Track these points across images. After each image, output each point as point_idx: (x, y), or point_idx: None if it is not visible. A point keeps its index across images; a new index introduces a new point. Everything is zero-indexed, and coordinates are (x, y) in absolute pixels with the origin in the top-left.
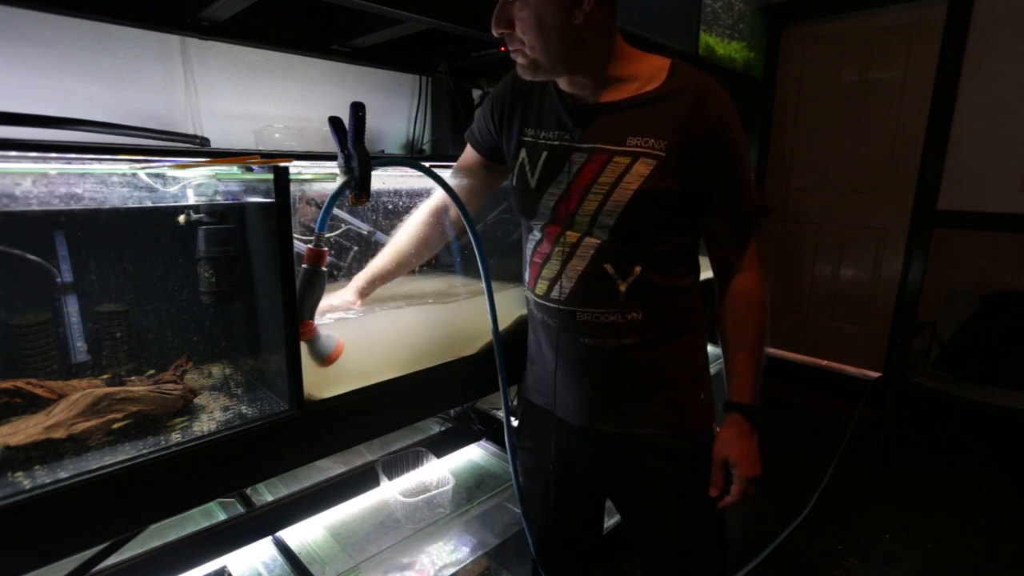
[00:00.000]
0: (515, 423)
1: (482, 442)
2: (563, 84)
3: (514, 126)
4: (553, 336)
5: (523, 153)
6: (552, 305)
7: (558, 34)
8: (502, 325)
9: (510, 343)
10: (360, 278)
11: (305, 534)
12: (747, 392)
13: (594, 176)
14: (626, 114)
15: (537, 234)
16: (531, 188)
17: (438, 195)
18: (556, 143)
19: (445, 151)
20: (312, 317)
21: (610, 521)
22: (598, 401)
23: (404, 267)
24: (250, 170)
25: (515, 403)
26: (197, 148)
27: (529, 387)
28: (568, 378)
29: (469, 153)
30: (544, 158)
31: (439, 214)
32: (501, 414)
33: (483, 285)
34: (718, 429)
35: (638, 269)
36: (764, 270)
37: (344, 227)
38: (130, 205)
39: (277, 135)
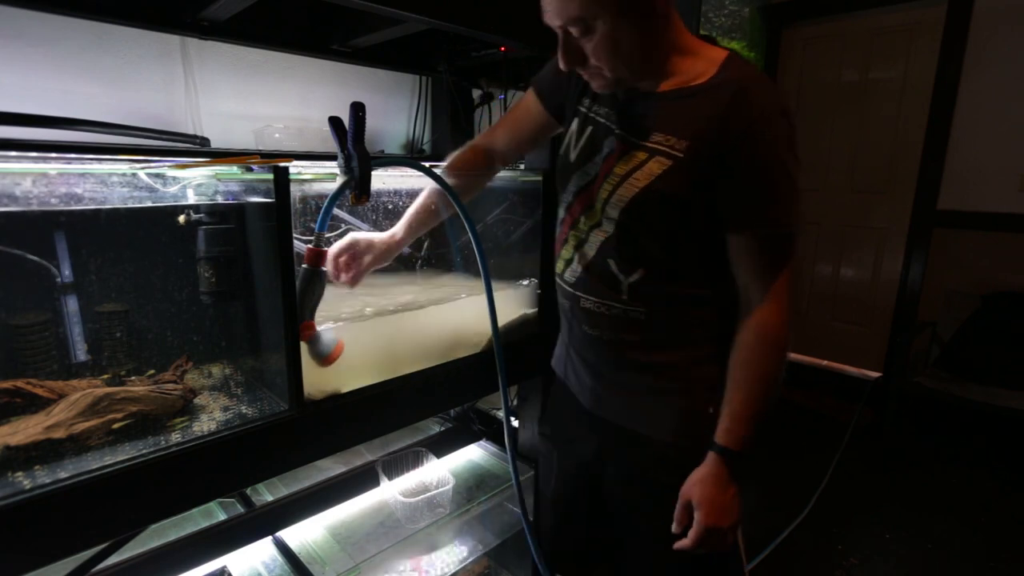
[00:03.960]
0: (515, 423)
1: (482, 442)
2: None
3: (576, 91)
4: (564, 317)
5: (575, 123)
6: (564, 286)
7: (639, 49)
8: (501, 324)
9: (510, 343)
10: (402, 223)
11: (305, 534)
12: (735, 436)
13: (613, 164)
14: (659, 106)
15: (563, 212)
16: (570, 161)
17: (480, 139)
18: (602, 121)
19: (445, 151)
20: (312, 317)
21: None
22: (598, 390)
23: (438, 215)
24: (250, 170)
25: (515, 403)
26: (197, 148)
27: (556, 357)
28: (576, 361)
29: (528, 99)
30: (589, 133)
31: (482, 153)
32: (501, 414)
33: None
34: None
35: (641, 272)
36: (792, 305)
37: (344, 227)
38: (130, 205)
39: (277, 135)
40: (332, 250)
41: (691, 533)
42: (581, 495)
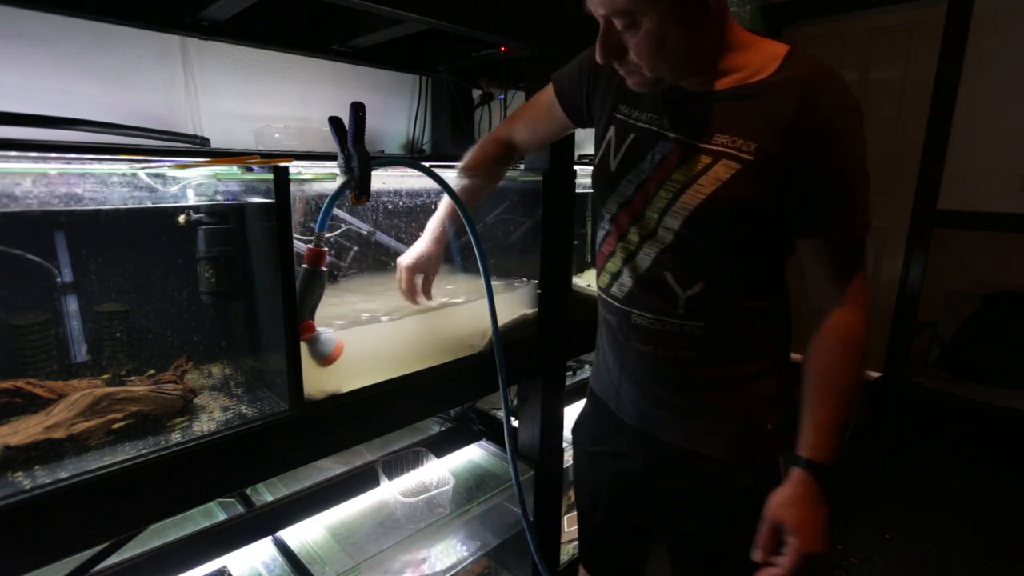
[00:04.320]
0: (515, 423)
1: (482, 442)
2: None
3: (609, 97)
4: (610, 333)
5: (611, 131)
6: (611, 301)
7: (685, 50)
8: (501, 324)
9: (510, 343)
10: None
11: (305, 534)
12: (824, 449)
13: (670, 170)
14: (719, 106)
15: (606, 224)
16: (611, 171)
17: (500, 131)
18: (646, 126)
19: (445, 151)
20: (312, 317)
21: None
22: (649, 408)
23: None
24: (250, 170)
25: (515, 403)
26: (197, 148)
27: (593, 374)
28: (623, 378)
29: (547, 94)
30: (630, 140)
31: (503, 145)
32: (501, 414)
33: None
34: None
35: (701, 284)
36: (868, 307)
37: (344, 227)
38: (130, 205)
39: (277, 135)
40: (404, 286)
41: (786, 561)
42: (623, 509)
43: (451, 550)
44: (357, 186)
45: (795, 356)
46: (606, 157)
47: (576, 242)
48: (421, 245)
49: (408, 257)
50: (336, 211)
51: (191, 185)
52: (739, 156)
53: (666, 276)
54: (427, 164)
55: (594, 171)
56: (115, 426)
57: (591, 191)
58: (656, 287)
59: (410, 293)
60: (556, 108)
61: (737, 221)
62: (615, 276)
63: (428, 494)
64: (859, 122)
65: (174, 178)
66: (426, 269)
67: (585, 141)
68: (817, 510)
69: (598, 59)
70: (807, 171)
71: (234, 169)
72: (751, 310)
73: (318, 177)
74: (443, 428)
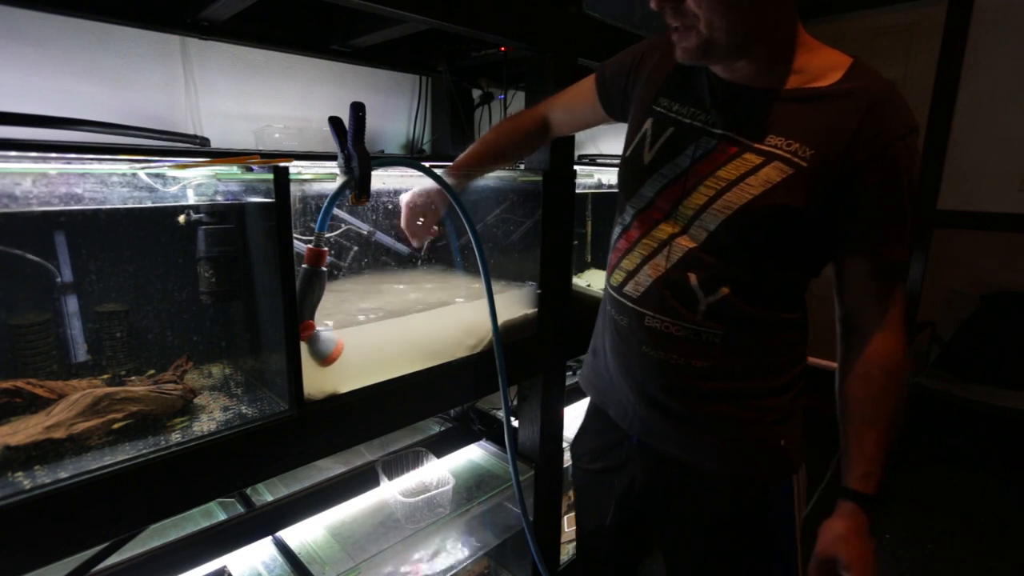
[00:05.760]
0: (515, 423)
1: (482, 442)
2: (719, 69)
3: (650, 90)
4: (617, 335)
5: (648, 123)
6: (623, 301)
7: (750, 13)
8: (502, 324)
9: (510, 343)
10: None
11: (305, 534)
12: (873, 480)
13: (714, 167)
14: (776, 107)
15: (628, 218)
16: (643, 164)
17: (541, 108)
18: (687, 121)
19: (445, 151)
20: (312, 317)
21: None
22: (653, 418)
23: (499, 161)
24: (250, 170)
25: (515, 403)
26: (197, 148)
27: (587, 379)
28: (625, 384)
29: (590, 80)
30: (669, 134)
31: (541, 121)
32: (501, 414)
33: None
34: (828, 520)
35: (725, 291)
36: (907, 331)
37: (344, 227)
38: (130, 205)
39: (277, 135)
40: (404, 223)
41: None
42: (623, 525)
43: (451, 550)
44: (357, 186)
45: (811, 360)
46: (639, 149)
47: (576, 242)
48: (424, 184)
49: (408, 193)
50: (336, 211)
51: (191, 185)
52: (793, 160)
53: (689, 277)
54: (427, 164)
55: (623, 163)
56: (115, 426)
57: (591, 191)
58: (677, 288)
59: (410, 231)
60: (594, 96)
61: (779, 227)
62: (631, 274)
63: (428, 494)
64: (918, 140)
65: (174, 178)
66: (425, 207)
67: (585, 142)
68: (869, 543)
69: (652, 5)
70: (865, 186)
71: (234, 169)
72: (772, 322)
73: (318, 177)
74: (443, 428)
